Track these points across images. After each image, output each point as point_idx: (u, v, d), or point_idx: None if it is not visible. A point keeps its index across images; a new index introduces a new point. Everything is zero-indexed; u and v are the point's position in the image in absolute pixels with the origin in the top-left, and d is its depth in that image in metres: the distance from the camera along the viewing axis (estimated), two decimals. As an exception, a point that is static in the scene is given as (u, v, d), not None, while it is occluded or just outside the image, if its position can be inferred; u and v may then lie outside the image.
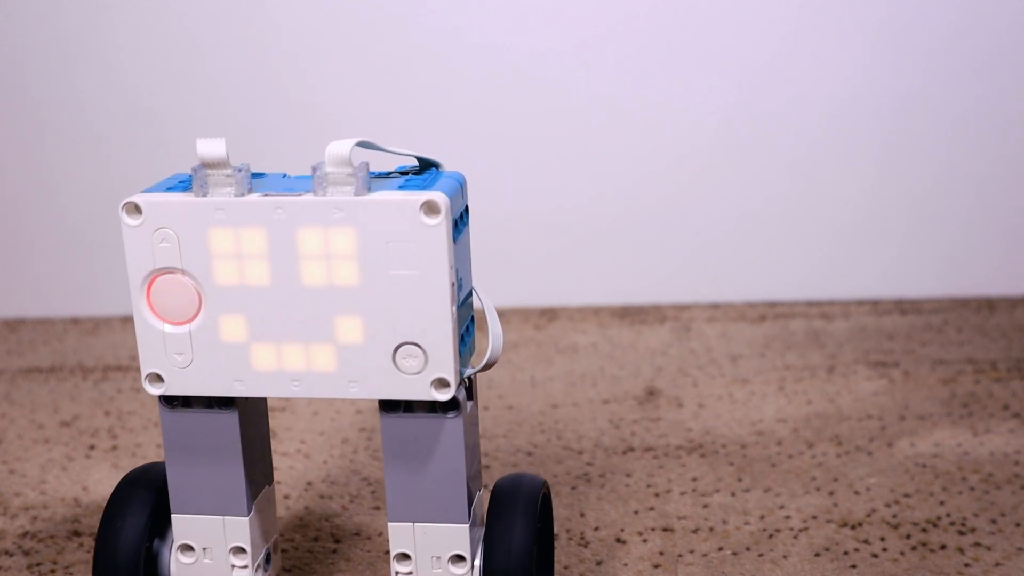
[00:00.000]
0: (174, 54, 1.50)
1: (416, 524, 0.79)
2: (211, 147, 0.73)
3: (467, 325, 0.78)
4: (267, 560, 0.84)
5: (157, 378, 0.77)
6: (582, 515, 1.00)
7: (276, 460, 1.12)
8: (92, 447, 1.16)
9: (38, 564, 0.95)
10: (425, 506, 0.78)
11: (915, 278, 1.55)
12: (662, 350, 1.38)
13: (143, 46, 1.50)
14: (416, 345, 0.74)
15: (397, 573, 0.80)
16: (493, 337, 0.79)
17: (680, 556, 0.93)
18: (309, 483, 1.07)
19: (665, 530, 0.97)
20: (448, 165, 0.80)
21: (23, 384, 1.33)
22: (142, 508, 0.81)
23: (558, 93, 1.50)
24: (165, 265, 0.75)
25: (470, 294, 0.79)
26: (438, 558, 0.79)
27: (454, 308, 0.74)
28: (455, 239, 0.74)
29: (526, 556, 0.77)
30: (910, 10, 1.47)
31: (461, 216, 0.76)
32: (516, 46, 1.49)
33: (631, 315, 1.50)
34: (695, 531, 0.97)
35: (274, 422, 1.20)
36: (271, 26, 1.49)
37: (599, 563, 0.93)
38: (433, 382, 0.74)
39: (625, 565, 0.92)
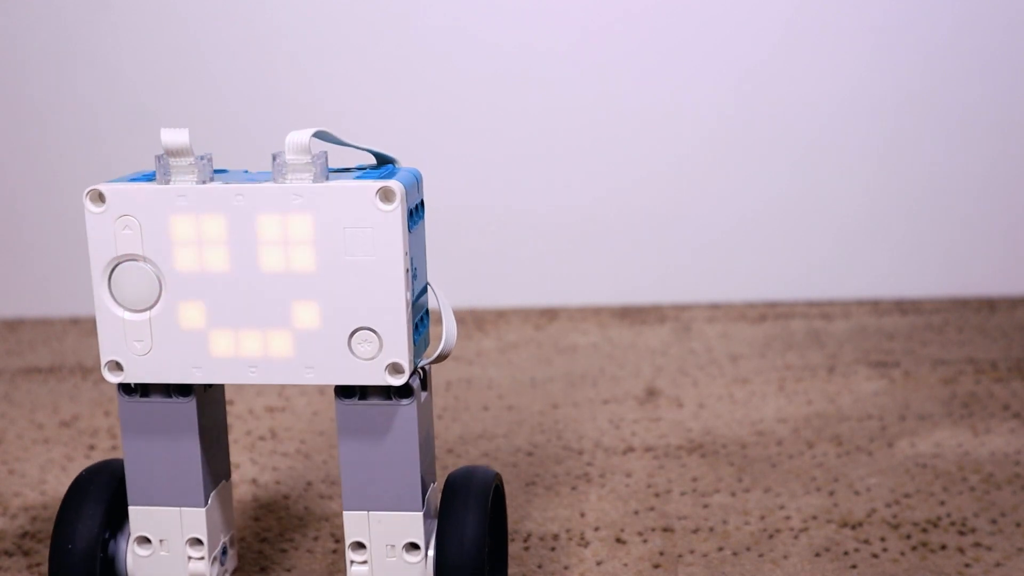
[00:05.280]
0: (174, 54, 1.50)
1: (371, 512, 0.79)
2: (174, 136, 0.74)
3: (421, 316, 0.79)
4: (224, 553, 0.84)
5: (116, 366, 0.78)
6: (582, 515, 1.00)
7: (276, 460, 1.12)
8: (92, 447, 1.16)
9: (38, 564, 0.95)
10: (379, 494, 0.79)
11: (915, 278, 1.55)
12: (662, 350, 1.38)
13: (143, 46, 1.50)
14: (371, 330, 0.75)
15: (352, 562, 0.80)
16: (447, 329, 0.80)
17: (680, 556, 0.93)
18: (309, 483, 1.07)
19: (665, 530, 0.97)
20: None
21: (23, 384, 1.33)
22: (98, 503, 0.81)
23: (558, 92, 1.50)
24: (127, 252, 0.76)
25: (425, 289, 0.80)
26: (392, 546, 0.80)
27: (408, 294, 0.75)
28: (410, 229, 0.75)
29: (478, 548, 0.78)
30: (910, 10, 1.47)
31: (417, 209, 0.78)
32: (516, 45, 1.49)
33: (631, 315, 1.50)
34: (695, 531, 0.97)
35: (274, 422, 1.20)
36: (271, 26, 1.49)
37: (599, 563, 0.93)
38: (387, 367, 0.76)
39: (625, 565, 0.92)
